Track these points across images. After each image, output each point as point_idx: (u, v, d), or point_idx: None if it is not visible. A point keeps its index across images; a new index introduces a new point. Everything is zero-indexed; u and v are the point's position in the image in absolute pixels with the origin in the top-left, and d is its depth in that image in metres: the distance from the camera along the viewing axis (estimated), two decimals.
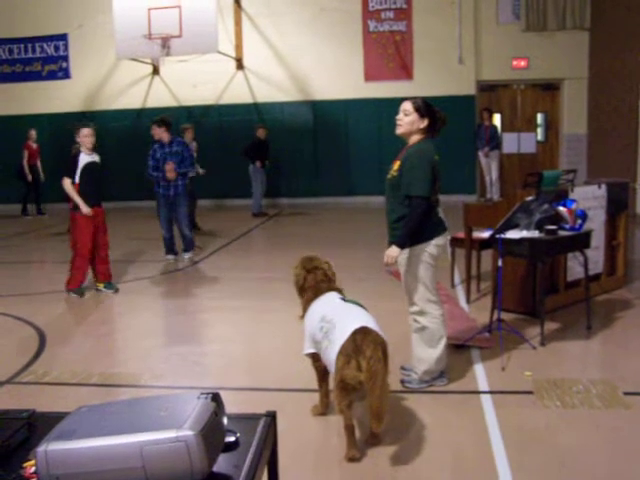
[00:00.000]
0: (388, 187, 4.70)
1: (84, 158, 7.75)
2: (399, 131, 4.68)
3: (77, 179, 7.71)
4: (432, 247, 4.62)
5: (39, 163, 15.72)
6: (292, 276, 4.40)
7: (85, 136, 7.72)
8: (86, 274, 8.02)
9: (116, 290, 8.15)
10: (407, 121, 4.61)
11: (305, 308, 4.25)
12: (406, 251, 4.62)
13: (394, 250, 4.53)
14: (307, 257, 4.43)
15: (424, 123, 4.59)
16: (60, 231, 12.91)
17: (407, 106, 4.62)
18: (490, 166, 15.37)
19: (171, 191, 9.66)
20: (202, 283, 8.73)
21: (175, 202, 9.74)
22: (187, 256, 10.01)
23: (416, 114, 4.59)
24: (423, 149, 4.58)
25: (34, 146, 15.68)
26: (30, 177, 15.51)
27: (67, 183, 7.71)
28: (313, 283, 4.27)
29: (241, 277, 8.83)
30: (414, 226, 4.51)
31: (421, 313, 4.70)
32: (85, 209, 7.63)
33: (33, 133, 15.69)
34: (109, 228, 8.21)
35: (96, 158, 7.91)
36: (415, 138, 4.65)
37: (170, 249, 9.91)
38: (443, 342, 4.75)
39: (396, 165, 4.63)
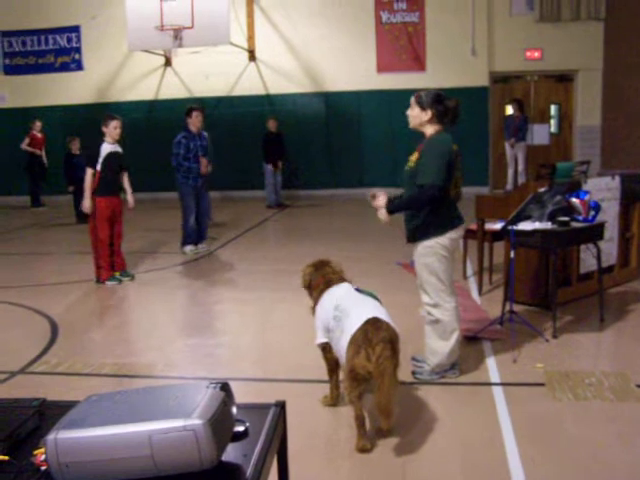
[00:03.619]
0: (406, 178, 4.69)
1: (106, 147, 7.94)
2: (410, 125, 4.75)
3: (99, 167, 7.87)
4: (447, 240, 4.61)
5: (44, 153, 15.69)
6: (301, 277, 4.42)
7: (114, 127, 7.94)
8: (112, 260, 8.09)
9: (132, 277, 8.23)
10: (412, 115, 4.68)
11: (317, 299, 4.26)
12: (421, 244, 4.62)
13: (383, 212, 4.61)
14: (318, 259, 4.45)
15: (427, 115, 4.60)
16: (66, 222, 12.99)
17: (411, 100, 4.69)
18: (516, 157, 15.27)
19: (199, 182, 9.75)
20: (215, 275, 8.74)
21: (201, 192, 9.85)
22: (203, 246, 10.05)
23: (418, 107, 4.62)
24: (438, 140, 4.58)
25: (39, 135, 15.66)
26: (38, 152, 15.45)
27: (88, 174, 7.91)
28: (322, 277, 4.28)
29: (253, 269, 8.84)
30: (414, 205, 4.57)
31: (435, 306, 4.69)
32: (86, 204, 7.83)
33: (38, 124, 15.66)
34: (125, 220, 8.29)
35: (118, 149, 8.09)
36: (429, 131, 4.65)
37: (191, 240, 9.92)
38: (455, 335, 4.74)
39: (414, 157, 4.63)
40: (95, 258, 8.09)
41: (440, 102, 4.60)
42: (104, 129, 7.94)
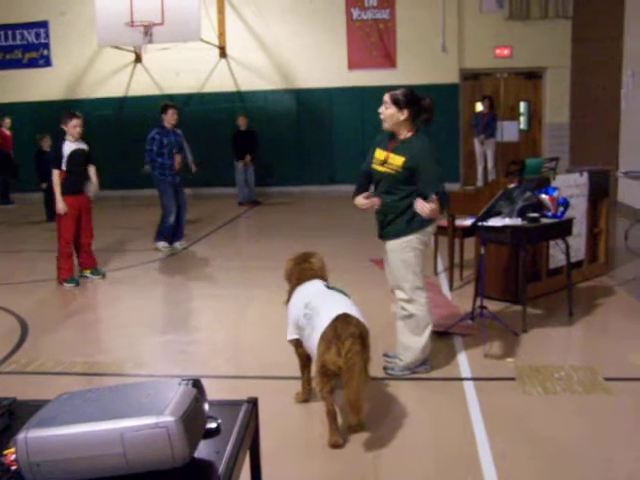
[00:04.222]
0: (391, 181, 4.61)
1: (69, 146, 7.76)
2: (384, 126, 4.65)
3: (64, 167, 7.71)
4: (425, 235, 4.66)
5: (12, 151, 15.35)
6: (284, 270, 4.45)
7: (73, 126, 7.74)
8: (73, 261, 7.98)
9: (103, 276, 8.15)
10: (387, 114, 4.58)
11: (290, 294, 4.28)
12: (400, 240, 4.63)
13: (433, 206, 4.35)
14: (302, 253, 4.45)
15: (404, 115, 4.53)
16: (37, 220, 12.84)
17: (386, 98, 4.58)
18: (485, 154, 15.36)
19: (177, 178, 9.71)
20: (187, 272, 8.71)
21: (179, 189, 9.80)
22: (181, 244, 9.97)
23: (394, 107, 4.54)
24: (429, 144, 4.58)
25: (8, 133, 15.43)
26: None
27: (55, 175, 7.73)
28: (297, 273, 4.30)
29: (225, 265, 8.82)
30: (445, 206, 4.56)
31: (409, 301, 4.70)
32: (61, 207, 7.66)
33: (7, 121, 15.39)
34: (93, 217, 8.19)
35: (83, 146, 7.92)
36: (404, 132, 4.61)
37: (168, 237, 9.83)
38: (429, 330, 4.76)
39: (399, 161, 4.54)
40: (57, 256, 7.98)
41: (416, 102, 4.56)
42: (64, 127, 7.77)
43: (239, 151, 14.46)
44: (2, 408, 2.06)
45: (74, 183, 7.77)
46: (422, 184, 4.49)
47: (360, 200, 4.69)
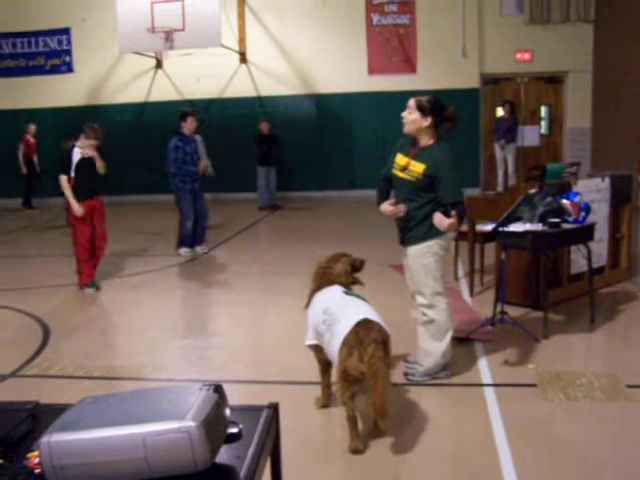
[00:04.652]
0: (411, 188, 4.62)
1: (78, 153, 7.79)
2: (404, 130, 4.67)
3: (72, 173, 7.76)
4: (446, 240, 4.66)
5: (35, 157, 15.66)
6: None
7: (89, 142, 7.77)
8: (92, 266, 8.02)
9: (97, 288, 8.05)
10: (410, 119, 4.59)
11: (309, 299, 4.29)
12: (421, 245, 4.63)
13: (450, 220, 4.39)
14: (332, 255, 4.46)
15: (427, 122, 4.54)
16: (59, 224, 12.93)
17: (411, 103, 4.60)
18: (506, 159, 15.30)
19: (196, 185, 9.74)
20: (206, 277, 8.74)
21: (198, 195, 9.83)
22: (202, 248, 10.01)
23: (418, 112, 4.55)
24: (450, 152, 4.58)
25: (32, 140, 15.65)
26: (25, 170, 15.52)
27: (63, 180, 7.77)
28: (319, 278, 4.31)
29: (244, 271, 8.84)
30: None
31: (430, 306, 4.69)
32: (77, 208, 7.68)
33: (32, 127, 15.66)
34: (111, 222, 8.22)
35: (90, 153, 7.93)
36: (427, 138, 4.61)
37: (188, 242, 9.89)
38: (449, 335, 4.75)
39: (420, 168, 4.54)
40: (76, 262, 8.02)
41: (441, 110, 4.57)
42: (83, 137, 7.79)
43: (262, 155, 14.47)
44: (25, 412, 2.07)
45: (83, 188, 7.79)
46: (441, 192, 4.50)
47: (386, 207, 4.69)
